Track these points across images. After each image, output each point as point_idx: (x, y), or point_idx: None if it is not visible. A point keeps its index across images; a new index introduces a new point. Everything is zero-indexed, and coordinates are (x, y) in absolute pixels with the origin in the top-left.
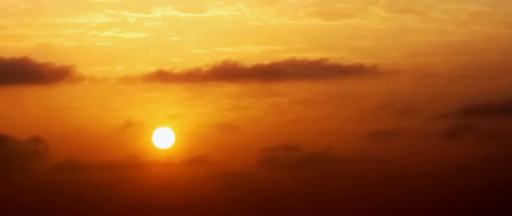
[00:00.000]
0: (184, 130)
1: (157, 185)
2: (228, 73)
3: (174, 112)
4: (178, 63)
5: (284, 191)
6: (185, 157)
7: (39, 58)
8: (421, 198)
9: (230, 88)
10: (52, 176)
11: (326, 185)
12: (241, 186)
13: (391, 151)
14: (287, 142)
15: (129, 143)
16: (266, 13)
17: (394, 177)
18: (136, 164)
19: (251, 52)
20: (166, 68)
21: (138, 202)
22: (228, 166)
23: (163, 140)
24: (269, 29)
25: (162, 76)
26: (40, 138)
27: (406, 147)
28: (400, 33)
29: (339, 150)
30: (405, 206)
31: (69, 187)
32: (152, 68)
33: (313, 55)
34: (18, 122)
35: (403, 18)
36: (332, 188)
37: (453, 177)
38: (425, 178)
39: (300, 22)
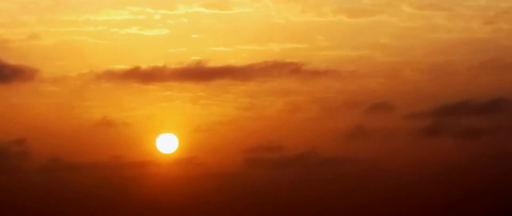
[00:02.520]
0: (191, 131)
1: (166, 184)
2: (246, 71)
3: (187, 111)
4: (198, 61)
5: (274, 190)
6: (188, 158)
7: (56, 56)
8: (409, 197)
9: (247, 87)
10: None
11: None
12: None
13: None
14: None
15: (135, 144)
16: (291, 10)
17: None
18: (148, 164)
19: (274, 51)
20: (185, 66)
21: (145, 202)
22: (214, 167)
23: (167, 144)
24: (293, 27)
25: (179, 75)
26: (51, 133)
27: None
28: (426, 30)
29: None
30: (395, 205)
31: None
32: (171, 66)
33: (336, 54)
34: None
35: (430, 15)
36: (324, 188)
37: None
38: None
39: (325, 19)
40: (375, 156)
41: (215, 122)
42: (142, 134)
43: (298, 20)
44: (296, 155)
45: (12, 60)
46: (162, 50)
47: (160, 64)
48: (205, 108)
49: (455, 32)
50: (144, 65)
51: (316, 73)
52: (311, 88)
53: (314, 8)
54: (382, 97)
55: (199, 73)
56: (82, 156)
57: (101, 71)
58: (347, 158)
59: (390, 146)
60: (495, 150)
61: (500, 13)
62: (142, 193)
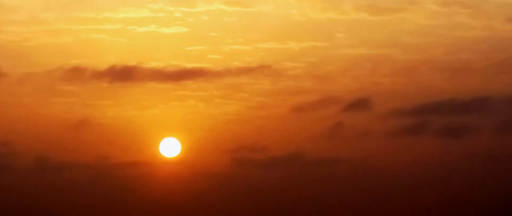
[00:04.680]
0: (200, 130)
1: (167, 185)
2: (262, 70)
3: (200, 111)
4: (214, 60)
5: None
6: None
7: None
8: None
9: (262, 85)
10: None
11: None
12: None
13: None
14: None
15: (141, 144)
16: (312, 8)
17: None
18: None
19: (293, 49)
20: (201, 65)
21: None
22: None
23: (172, 146)
24: (313, 25)
25: (194, 74)
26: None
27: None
28: (447, 28)
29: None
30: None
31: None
32: (187, 65)
33: (355, 52)
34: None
35: (453, 12)
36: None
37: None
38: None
39: (347, 17)
40: (380, 155)
41: (224, 121)
42: (150, 133)
43: (318, 17)
44: (298, 154)
45: (28, 58)
46: (179, 48)
47: (176, 62)
48: (217, 107)
49: (477, 30)
50: (159, 64)
51: (332, 72)
52: (326, 87)
53: (335, 5)
54: (396, 96)
55: (214, 72)
56: (80, 155)
57: (114, 70)
58: (357, 157)
59: (401, 144)
60: None
61: None
62: (140, 193)
